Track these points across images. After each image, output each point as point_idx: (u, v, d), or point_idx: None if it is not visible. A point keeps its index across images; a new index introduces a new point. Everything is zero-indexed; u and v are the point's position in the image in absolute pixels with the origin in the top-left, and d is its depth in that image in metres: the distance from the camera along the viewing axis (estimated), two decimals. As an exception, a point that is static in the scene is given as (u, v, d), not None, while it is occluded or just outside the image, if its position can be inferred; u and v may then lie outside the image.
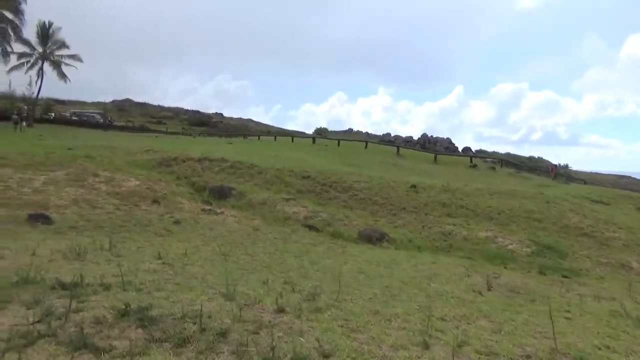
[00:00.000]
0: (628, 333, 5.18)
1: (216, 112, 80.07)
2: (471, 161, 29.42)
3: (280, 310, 4.65)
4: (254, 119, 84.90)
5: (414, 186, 17.34)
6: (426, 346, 3.94)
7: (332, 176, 18.15)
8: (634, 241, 13.89)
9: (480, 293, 6.56)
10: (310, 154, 26.98)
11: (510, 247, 12.71)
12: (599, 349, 4.36)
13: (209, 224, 10.68)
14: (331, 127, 66.60)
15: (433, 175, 23.53)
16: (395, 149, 33.69)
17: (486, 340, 4.32)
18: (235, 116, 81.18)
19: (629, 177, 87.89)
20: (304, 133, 62.91)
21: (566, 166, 71.14)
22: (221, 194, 15.73)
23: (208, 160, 19.59)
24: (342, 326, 4.25)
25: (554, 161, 63.61)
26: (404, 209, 15.62)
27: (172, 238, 8.99)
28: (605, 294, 8.11)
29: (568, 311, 6.03)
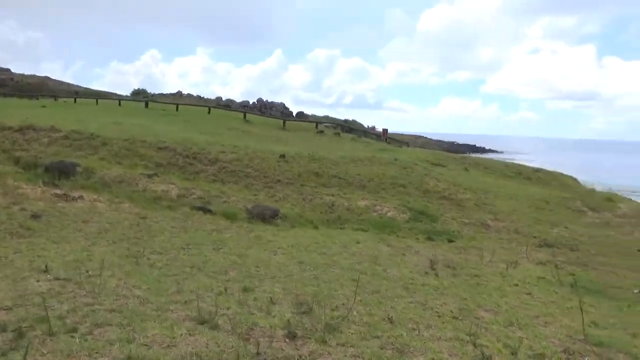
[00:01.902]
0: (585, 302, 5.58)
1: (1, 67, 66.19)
2: (317, 127, 30.02)
3: (293, 336, 3.75)
4: (51, 76, 72.42)
5: (283, 156, 16.79)
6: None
7: (192, 146, 16.47)
8: (480, 200, 15.76)
9: (436, 275, 6.46)
10: (152, 120, 24.23)
11: (389, 214, 13.21)
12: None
13: (77, 214, 8.54)
14: (147, 88, 60.68)
15: (289, 142, 23.27)
16: (238, 114, 32.54)
17: (513, 339, 4.13)
18: (27, 72, 68.05)
19: (423, 137, 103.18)
20: (117, 94, 56.20)
21: (373, 128, 78.32)
22: (63, 172, 12.89)
23: (32, 130, 16.00)
24: (391, 348, 3.58)
25: (365, 123, 69.08)
26: (279, 181, 15.02)
27: (40, 239, 6.88)
28: (502, 256, 8.87)
29: (517, 285, 6.31)
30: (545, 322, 4.83)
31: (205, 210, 10.23)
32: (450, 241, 11.13)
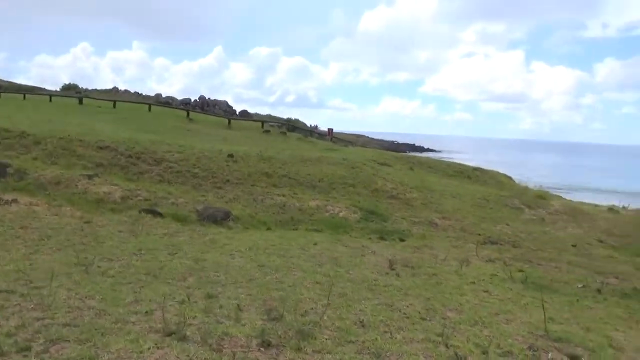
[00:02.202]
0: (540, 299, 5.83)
1: None
2: (262, 126, 29.70)
3: (268, 345, 3.64)
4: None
5: (231, 155, 16.44)
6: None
7: (135, 146, 15.76)
8: (427, 199, 16.20)
9: (397, 275, 6.52)
10: (88, 118, 23.00)
11: (341, 214, 13.26)
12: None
13: (13, 219, 7.89)
14: (78, 83, 57.14)
15: (234, 141, 22.84)
16: (181, 112, 31.59)
17: (481, 337, 4.22)
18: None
19: (364, 135, 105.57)
20: (46, 89, 52.73)
21: (316, 127, 78.67)
22: (-8, 173, 11.98)
23: (-47, 127, 14.71)
24: (367, 352, 3.54)
25: (308, 122, 69.15)
26: (228, 181, 14.69)
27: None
28: (454, 255, 9.15)
29: (473, 282, 6.50)
30: (507, 320, 5.00)
31: (155, 213, 9.79)
32: (401, 240, 11.34)
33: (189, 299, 4.81)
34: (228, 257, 6.90)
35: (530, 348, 4.14)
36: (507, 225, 14.81)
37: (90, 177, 12.73)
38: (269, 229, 10.91)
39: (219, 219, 10.85)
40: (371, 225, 12.74)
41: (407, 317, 4.68)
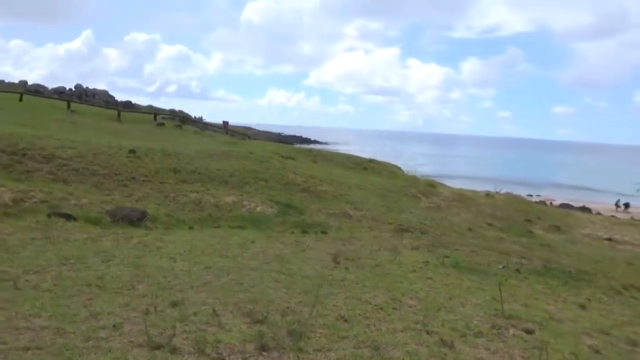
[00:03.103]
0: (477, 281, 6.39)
1: None
2: (155, 119, 28.10)
3: (267, 349, 3.59)
4: None
5: (132, 151, 15.32)
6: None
7: (18, 142, 13.97)
8: (337, 191, 16.69)
9: (346, 268, 6.68)
10: (-54, 108, 19.83)
11: (258, 209, 13.13)
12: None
13: None
14: None
15: (128, 135, 21.31)
16: (58, 102, 28.65)
17: (452, 321, 4.55)
18: None
19: (252, 128, 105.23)
20: None
21: (201, 118, 76.48)
22: None
23: None
24: (364, 346, 3.64)
25: (192, 114, 66.89)
26: (134, 178, 13.69)
27: None
28: (381, 245, 9.59)
29: (414, 271, 6.90)
30: (461, 303, 5.44)
31: (67, 217, 8.82)
32: (323, 232, 11.58)
33: (155, 308, 4.48)
34: (169, 261, 6.51)
35: (493, 327, 4.58)
36: (411, 213, 15.86)
37: (-32, 178, 11.07)
38: (190, 227, 10.45)
39: (135, 219, 10.11)
40: (290, 219, 12.80)
41: (381, 309, 4.86)
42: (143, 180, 13.65)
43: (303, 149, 27.76)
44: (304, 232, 11.47)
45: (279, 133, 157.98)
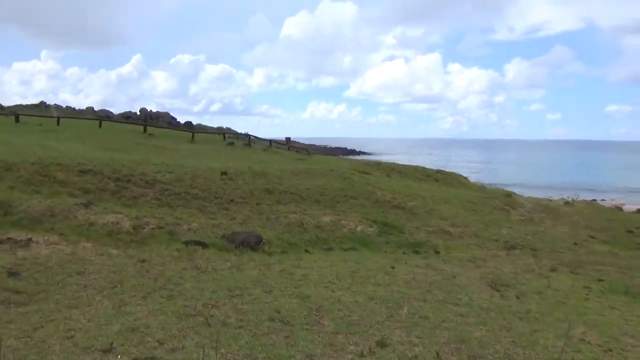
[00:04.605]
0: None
1: None
2: (224, 138, 28.62)
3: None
4: None
5: (225, 173, 15.53)
6: None
7: (121, 168, 14.42)
8: (427, 206, 16.28)
9: (518, 298, 6.31)
10: (39, 137, 20.83)
11: (358, 229, 12.91)
12: None
13: (61, 263, 6.76)
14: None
15: (207, 156, 21.73)
16: (133, 127, 29.72)
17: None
18: None
19: (297, 142, 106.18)
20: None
21: (247, 134, 77.59)
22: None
23: None
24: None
25: (238, 129, 68.01)
26: (232, 200, 13.82)
27: (45, 304, 5.24)
28: (515, 266, 9.14)
29: (587, 298, 6.42)
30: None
31: (202, 244, 8.89)
32: (436, 252, 11.25)
33: (370, 350, 4.28)
34: (328, 291, 6.34)
35: None
36: (510, 228, 15.23)
37: (86, 206, 11.42)
38: (307, 251, 10.34)
39: (253, 244, 10.12)
40: (393, 239, 12.52)
41: (609, 350, 4.49)
42: (241, 202, 13.74)
43: (372, 163, 27.48)
44: (415, 252, 11.18)
45: (325, 145, 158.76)
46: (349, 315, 5.39)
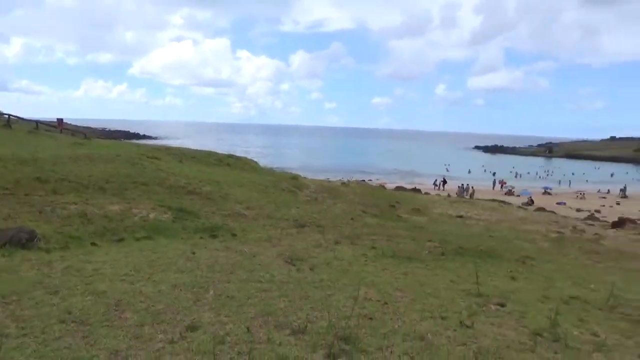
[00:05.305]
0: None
1: None
2: (8, 120, 23.64)
3: (335, 356, 3.81)
4: None
5: (-23, 159, 12.87)
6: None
7: None
8: (222, 191, 16.39)
9: (312, 269, 6.88)
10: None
11: (151, 216, 12.28)
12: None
13: None
14: None
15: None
16: None
17: (449, 307, 5.22)
18: None
19: (68, 123, 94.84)
20: None
21: (7, 114, 66.63)
22: None
23: None
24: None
25: None
26: (-8, 192, 11.57)
27: None
28: (306, 242, 9.93)
29: (366, 264, 7.43)
30: (434, 289, 6.15)
31: None
32: (233, 235, 11.46)
33: (180, 335, 4.19)
34: (127, 284, 5.88)
35: (479, 305, 5.36)
36: (298, 208, 16.47)
37: None
38: (93, 244, 9.37)
39: (24, 241, 8.70)
40: (189, 224, 12.27)
41: (385, 303, 5.29)
42: (7, 194, 11.64)
43: (161, 147, 26.26)
44: (213, 236, 11.19)
45: (103, 128, 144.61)
46: (153, 306, 5.15)
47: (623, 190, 56.08)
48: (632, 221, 26.27)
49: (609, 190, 58.37)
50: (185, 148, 28.49)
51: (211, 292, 5.66)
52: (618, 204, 46.16)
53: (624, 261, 12.09)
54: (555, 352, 4.26)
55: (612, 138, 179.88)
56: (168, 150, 25.22)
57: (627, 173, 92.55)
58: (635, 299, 6.86)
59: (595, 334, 4.90)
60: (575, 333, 4.83)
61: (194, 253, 7.79)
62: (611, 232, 17.48)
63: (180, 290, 5.77)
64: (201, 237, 10.96)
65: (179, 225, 12.03)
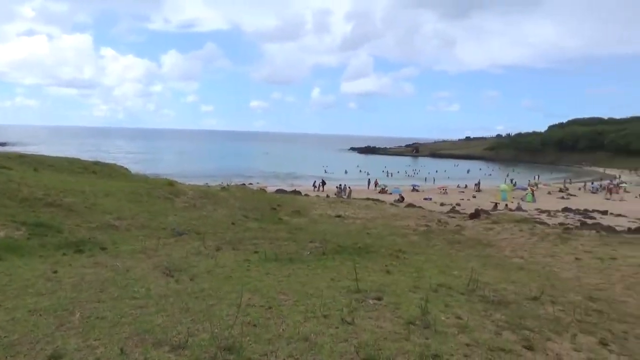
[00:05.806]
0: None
1: None
2: None
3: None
4: None
5: None
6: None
7: None
8: (87, 201, 15.03)
9: (192, 279, 6.57)
10: None
11: (1, 234, 10.82)
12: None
13: None
14: None
15: None
16: None
17: (331, 306, 5.38)
18: None
19: None
20: None
21: None
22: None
23: None
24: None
25: None
26: None
27: None
28: (186, 250, 9.48)
29: (249, 269, 7.32)
30: (315, 288, 6.24)
31: None
32: (102, 249, 10.58)
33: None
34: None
35: (358, 301, 5.58)
36: (175, 215, 15.77)
37: None
38: None
39: None
40: (49, 240, 11.06)
41: (269, 308, 5.23)
42: None
43: (12, 155, 23.33)
44: (79, 251, 10.23)
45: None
46: (6, 337, 4.50)
47: (477, 184, 63.36)
48: (486, 212, 29.64)
49: (466, 185, 65.36)
50: (42, 155, 25.71)
51: (77, 315, 5.12)
52: (474, 197, 51.82)
53: (481, 248, 13.58)
54: (427, 338, 4.61)
55: (468, 138, 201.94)
56: (21, 158, 22.50)
57: (480, 169, 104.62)
58: (490, 282, 7.73)
59: (459, 317, 5.40)
60: (443, 318, 5.28)
61: (55, 272, 7.00)
62: (469, 222, 19.50)
63: (40, 315, 5.14)
64: (64, 254, 9.92)
65: (36, 242, 10.77)
